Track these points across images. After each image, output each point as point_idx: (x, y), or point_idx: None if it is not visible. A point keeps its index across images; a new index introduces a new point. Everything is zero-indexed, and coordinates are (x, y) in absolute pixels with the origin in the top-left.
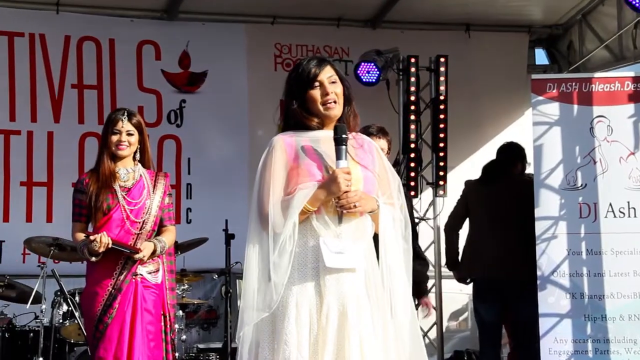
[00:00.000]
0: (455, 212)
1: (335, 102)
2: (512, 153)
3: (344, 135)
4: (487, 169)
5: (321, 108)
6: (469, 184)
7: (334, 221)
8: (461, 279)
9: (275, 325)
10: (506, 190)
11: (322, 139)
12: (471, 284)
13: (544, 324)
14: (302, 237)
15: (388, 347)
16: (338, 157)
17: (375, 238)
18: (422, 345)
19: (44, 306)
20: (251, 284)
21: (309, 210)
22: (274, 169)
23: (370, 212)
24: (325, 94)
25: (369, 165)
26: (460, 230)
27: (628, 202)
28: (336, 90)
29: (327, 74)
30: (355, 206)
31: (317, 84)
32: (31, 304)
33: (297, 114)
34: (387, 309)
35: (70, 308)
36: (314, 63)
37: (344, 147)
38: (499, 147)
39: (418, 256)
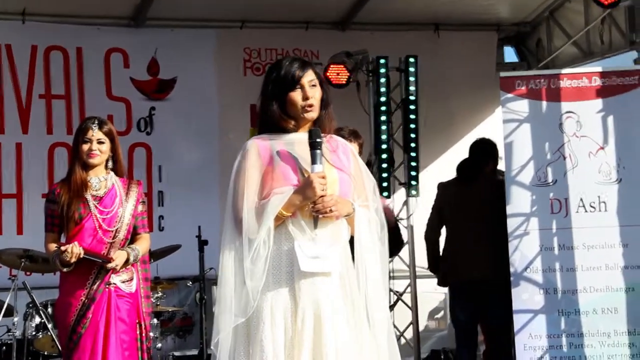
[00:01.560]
0: (432, 220)
1: (312, 105)
2: (484, 150)
3: (318, 140)
4: (461, 168)
5: (300, 111)
6: (442, 186)
7: (309, 225)
8: (442, 282)
9: (250, 330)
10: (481, 188)
11: (297, 142)
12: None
13: (518, 320)
14: (277, 241)
15: (364, 351)
16: (313, 161)
17: (351, 241)
18: (397, 350)
19: (16, 319)
20: (227, 290)
21: (283, 215)
22: (248, 173)
23: (346, 215)
24: (305, 97)
25: (344, 168)
26: (440, 236)
27: (598, 197)
28: (315, 94)
29: (308, 78)
30: (331, 210)
31: (298, 86)
32: (3, 317)
33: (275, 115)
34: (363, 312)
35: (42, 320)
36: (296, 65)
37: (318, 151)
38: (471, 144)
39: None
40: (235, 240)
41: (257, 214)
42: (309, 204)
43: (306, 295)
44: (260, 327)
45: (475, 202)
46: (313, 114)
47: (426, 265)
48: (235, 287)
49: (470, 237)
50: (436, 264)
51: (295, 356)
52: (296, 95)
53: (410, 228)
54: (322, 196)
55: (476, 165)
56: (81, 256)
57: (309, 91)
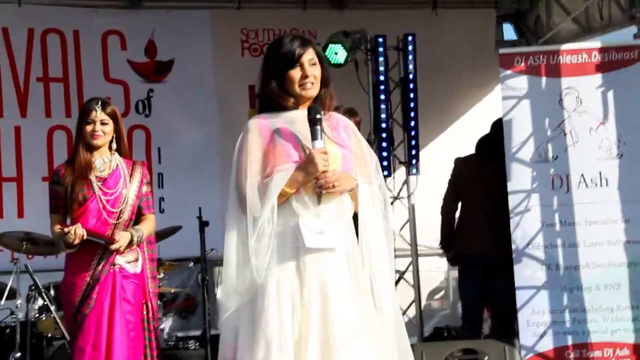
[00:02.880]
0: (449, 195)
1: (312, 83)
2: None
3: (318, 116)
4: (482, 144)
5: (298, 89)
6: (459, 162)
7: (313, 201)
8: (453, 260)
9: (255, 306)
10: (499, 166)
11: (298, 119)
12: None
13: (520, 296)
14: (281, 217)
15: (369, 326)
16: (314, 137)
17: (355, 217)
18: (403, 326)
19: (19, 302)
20: (231, 269)
21: (287, 192)
22: (250, 152)
23: (350, 191)
24: (304, 76)
25: (345, 145)
26: (457, 210)
27: (600, 172)
28: (315, 72)
29: (308, 56)
30: (334, 186)
31: (297, 64)
32: (6, 299)
33: (274, 93)
34: (368, 288)
35: (45, 302)
36: (297, 43)
37: (318, 127)
38: (493, 122)
39: None
40: (239, 219)
41: (260, 192)
42: (311, 180)
43: (312, 271)
44: (265, 305)
45: (492, 179)
46: (312, 92)
47: (428, 243)
48: (240, 266)
49: (483, 213)
50: (449, 241)
51: (303, 332)
52: (295, 73)
53: (411, 207)
54: (324, 172)
55: (495, 142)
56: (84, 237)
57: (309, 69)
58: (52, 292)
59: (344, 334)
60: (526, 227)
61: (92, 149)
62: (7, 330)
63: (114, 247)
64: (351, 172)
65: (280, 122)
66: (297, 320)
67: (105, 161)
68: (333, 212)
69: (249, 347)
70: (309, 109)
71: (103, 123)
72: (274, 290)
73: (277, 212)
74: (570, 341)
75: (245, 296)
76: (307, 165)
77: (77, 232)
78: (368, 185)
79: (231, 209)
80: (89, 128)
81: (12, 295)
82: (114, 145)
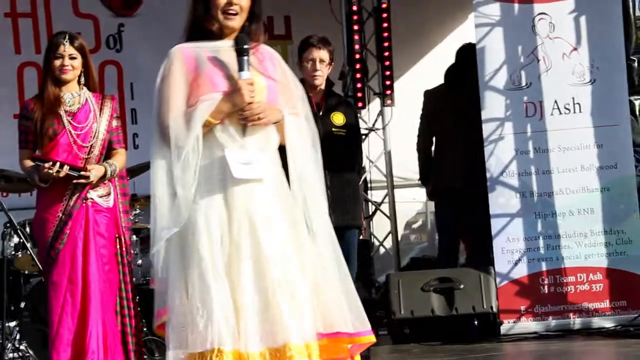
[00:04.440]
0: (422, 129)
1: (237, 14)
2: (470, 55)
3: (245, 46)
4: (449, 73)
5: (221, 17)
6: (428, 94)
7: (238, 132)
8: (431, 194)
9: (185, 241)
10: (468, 94)
11: (222, 49)
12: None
13: (495, 224)
14: (206, 149)
15: (304, 252)
16: (240, 68)
17: (282, 149)
18: (340, 253)
19: None
20: (160, 201)
21: (211, 122)
22: (174, 81)
23: (275, 122)
24: (229, 2)
25: (272, 75)
26: (432, 145)
27: (573, 98)
28: (242, 2)
29: None
30: (259, 118)
31: None
32: None
33: (200, 17)
34: (301, 217)
35: (21, 240)
36: None
37: (245, 57)
38: (457, 50)
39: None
40: (163, 149)
41: (184, 122)
42: (237, 112)
43: (240, 202)
44: (196, 239)
45: (463, 109)
46: (234, 23)
47: (404, 175)
48: (167, 197)
49: (456, 144)
50: (427, 175)
51: (234, 264)
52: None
53: (387, 138)
54: (250, 103)
55: (463, 70)
56: (67, 172)
57: None
58: (27, 229)
59: (276, 265)
60: (500, 155)
61: (60, 83)
62: None
63: (86, 174)
64: (276, 103)
65: (204, 51)
66: (225, 253)
67: (74, 95)
68: (259, 143)
69: (180, 281)
70: (236, 39)
71: (72, 57)
72: (203, 223)
73: (202, 143)
74: (544, 267)
75: (174, 228)
76: (233, 96)
77: (65, 168)
78: (294, 117)
79: (155, 141)
80: (57, 63)
81: None
82: (83, 80)
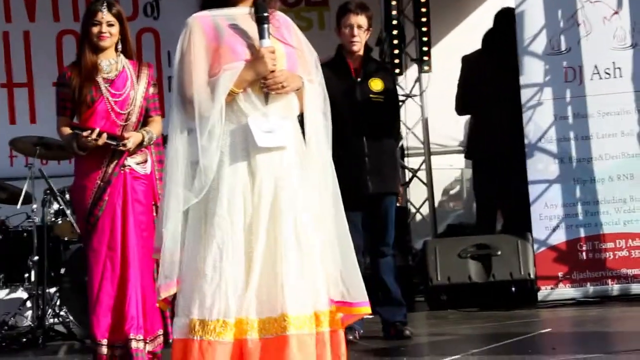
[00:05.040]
0: (459, 96)
1: None
2: (509, 19)
3: (265, 14)
4: (487, 38)
5: None
6: (466, 60)
7: (261, 100)
8: (468, 155)
9: (207, 209)
10: (507, 60)
11: (239, 16)
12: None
13: (533, 190)
14: (229, 118)
15: (321, 221)
16: (262, 36)
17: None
18: (344, 222)
19: (34, 206)
20: (177, 170)
21: (234, 91)
22: (195, 51)
23: (296, 90)
24: None
25: (289, 42)
26: (470, 111)
27: (613, 63)
28: None
29: None
30: (282, 86)
31: None
32: (22, 204)
33: None
34: (319, 184)
35: (61, 206)
36: None
37: (266, 25)
38: (495, 14)
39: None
40: (185, 121)
41: (208, 92)
42: (259, 80)
43: (263, 170)
44: (217, 209)
45: (501, 74)
46: None
47: (441, 141)
48: (188, 167)
49: (495, 109)
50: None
51: (254, 232)
52: None
53: (424, 105)
54: (272, 72)
55: (501, 35)
56: (105, 140)
57: None
58: (66, 196)
59: (292, 234)
60: (538, 121)
61: (98, 50)
62: (25, 234)
63: (124, 143)
64: (295, 70)
65: (221, 19)
66: (247, 222)
67: (111, 63)
68: (281, 110)
69: (198, 249)
70: (256, 7)
71: (109, 24)
72: (225, 192)
73: (226, 112)
74: (582, 233)
75: (195, 198)
76: (256, 64)
77: (103, 136)
78: (310, 84)
79: (175, 112)
80: (95, 30)
81: (28, 200)
82: (120, 47)
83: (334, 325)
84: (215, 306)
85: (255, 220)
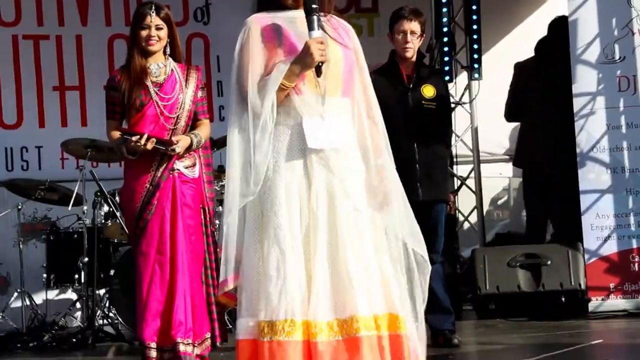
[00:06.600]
0: (509, 103)
1: None
2: (564, 28)
3: (314, 5)
4: (540, 46)
5: None
6: (518, 67)
7: (317, 101)
8: (516, 162)
9: (264, 207)
10: (560, 68)
11: (298, 19)
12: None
13: (585, 200)
14: (286, 118)
15: (378, 226)
16: (310, 27)
17: None
18: (413, 219)
19: (85, 207)
20: (235, 168)
21: (286, 86)
22: (252, 50)
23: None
24: None
25: (347, 44)
26: (520, 118)
27: None
28: None
29: None
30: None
31: None
32: (72, 206)
33: None
34: (373, 187)
35: (111, 209)
36: None
37: (315, 17)
38: (550, 22)
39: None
40: (241, 117)
41: (260, 88)
42: (314, 79)
43: (319, 172)
44: (275, 207)
45: (553, 82)
46: None
47: (490, 149)
48: (244, 165)
49: (547, 117)
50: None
51: (312, 234)
52: None
53: (474, 112)
54: (321, 62)
55: (554, 43)
56: (154, 144)
57: None
58: (117, 198)
59: (351, 237)
60: (591, 130)
61: (147, 54)
62: (75, 236)
63: (173, 147)
64: (353, 72)
65: (280, 21)
66: (304, 224)
67: (160, 66)
68: (336, 111)
69: (256, 249)
70: (305, 0)
71: (158, 28)
72: (283, 192)
73: (282, 113)
74: (635, 244)
75: (250, 196)
76: (303, 55)
77: (151, 140)
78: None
79: (234, 107)
80: (143, 33)
81: (79, 201)
82: (168, 50)
83: (394, 329)
84: (282, 306)
85: (313, 222)
